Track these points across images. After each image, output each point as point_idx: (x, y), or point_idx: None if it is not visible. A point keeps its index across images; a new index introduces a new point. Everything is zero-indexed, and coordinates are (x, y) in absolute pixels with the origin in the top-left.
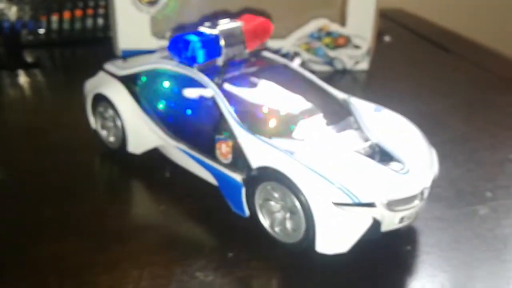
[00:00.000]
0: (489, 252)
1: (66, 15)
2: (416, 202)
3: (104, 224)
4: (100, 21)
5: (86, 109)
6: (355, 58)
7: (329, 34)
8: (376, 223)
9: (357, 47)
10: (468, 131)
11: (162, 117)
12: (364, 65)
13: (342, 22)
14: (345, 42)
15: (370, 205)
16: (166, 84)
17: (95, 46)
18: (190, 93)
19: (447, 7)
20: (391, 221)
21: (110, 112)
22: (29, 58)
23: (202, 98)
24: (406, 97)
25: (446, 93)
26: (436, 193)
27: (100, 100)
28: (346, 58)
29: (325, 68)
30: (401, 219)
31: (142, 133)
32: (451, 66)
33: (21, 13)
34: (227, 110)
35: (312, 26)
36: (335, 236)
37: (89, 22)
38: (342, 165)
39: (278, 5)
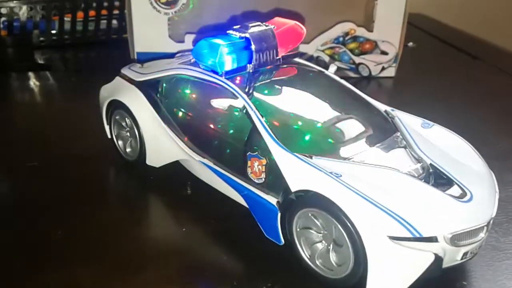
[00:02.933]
0: None
1: (79, 15)
2: (482, 235)
3: (119, 248)
4: (115, 22)
5: (101, 116)
6: (382, 64)
7: (355, 39)
8: (437, 260)
9: (384, 52)
10: (509, 145)
11: (184, 128)
12: (390, 72)
13: (368, 26)
14: (371, 47)
15: (432, 239)
16: (189, 92)
17: (109, 48)
18: (218, 103)
19: (464, 11)
20: (453, 257)
21: (127, 121)
22: (40, 60)
23: (231, 109)
24: (436, 106)
25: (478, 102)
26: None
27: (117, 107)
28: (372, 64)
29: (349, 74)
30: (464, 255)
31: (162, 145)
32: (480, 74)
33: (32, 13)
34: (260, 123)
35: (338, 30)
36: (390, 275)
37: (103, 23)
38: (397, 192)
39: (300, 8)
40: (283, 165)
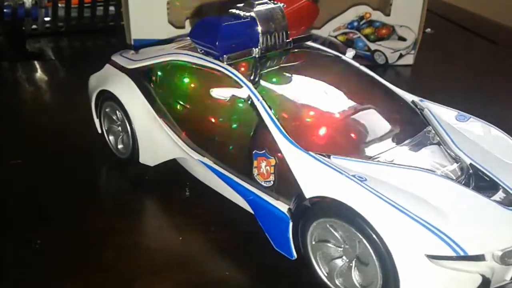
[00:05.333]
0: None
1: (74, 1)
2: None
3: (107, 260)
4: (112, 8)
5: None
6: (399, 51)
7: (370, 23)
8: (485, 282)
9: (401, 38)
10: None
11: (181, 122)
12: (409, 59)
13: (385, 10)
14: (388, 33)
15: (479, 258)
16: (187, 80)
17: (107, 36)
18: (219, 93)
19: None
20: (501, 277)
21: (118, 113)
22: (32, 49)
23: (234, 100)
24: (460, 96)
25: (506, 90)
26: None
27: (106, 98)
28: (388, 51)
29: (364, 62)
30: None
31: (156, 141)
32: (504, 60)
33: None
34: (268, 116)
35: (351, 14)
36: None
37: (100, 9)
38: (435, 199)
39: None
40: (296, 166)
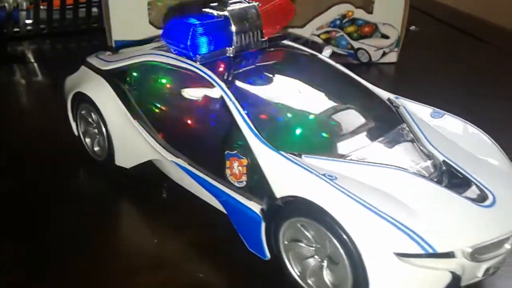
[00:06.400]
0: None
1: (56, 3)
2: (507, 247)
3: (82, 264)
4: (95, 10)
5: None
6: (382, 49)
7: (353, 21)
8: (455, 279)
9: (384, 36)
10: None
11: (155, 123)
12: (392, 57)
13: (367, 8)
14: (371, 30)
15: (449, 255)
16: (161, 81)
17: (90, 38)
18: (192, 93)
19: None
20: (473, 274)
21: (93, 116)
22: (13, 52)
23: (207, 100)
24: (444, 94)
25: (490, 89)
26: None
27: (82, 100)
28: (372, 49)
29: (348, 61)
30: (487, 270)
31: (131, 143)
32: (488, 57)
33: (5, 2)
34: (240, 115)
35: (334, 12)
36: None
37: (82, 11)
38: (405, 197)
39: None
40: (266, 165)
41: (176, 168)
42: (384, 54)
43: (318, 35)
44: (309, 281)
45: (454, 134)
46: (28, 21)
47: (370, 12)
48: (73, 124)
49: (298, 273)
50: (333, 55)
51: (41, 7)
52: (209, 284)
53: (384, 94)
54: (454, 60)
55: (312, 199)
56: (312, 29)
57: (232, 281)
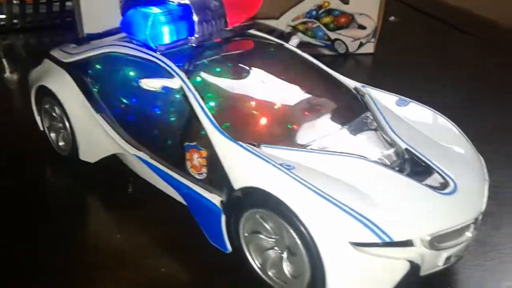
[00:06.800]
0: None
1: None
2: (468, 235)
3: (44, 261)
4: (69, 4)
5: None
6: (359, 40)
7: (329, 12)
8: (413, 268)
9: (361, 27)
10: (502, 124)
11: (117, 116)
12: (369, 48)
13: None
14: (347, 21)
15: (407, 244)
16: (123, 73)
17: (64, 32)
18: (150, 84)
19: None
20: (433, 263)
21: (57, 110)
22: None
23: (167, 91)
24: (420, 85)
25: (467, 79)
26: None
27: (45, 94)
28: (348, 40)
29: (325, 52)
30: (447, 259)
31: (94, 137)
32: (469, 49)
33: None
34: (199, 106)
35: (310, 3)
36: None
37: (56, 5)
38: (363, 185)
39: None
40: (224, 156)
41: (138, 161)
42: (361, 45)
43: (294, 26)
44: (270, 273)
45: (419, 122)
46: (1, 16)
47: (347, 3)
48: (38, 119)
49: (259, 265)
50: (309, 46)
51: (14, 1)
52: (171, 278)
53: (350, 83)
54: (434, 51)
55: (269, 190)
56: (287, 20)
57: (194, 275)
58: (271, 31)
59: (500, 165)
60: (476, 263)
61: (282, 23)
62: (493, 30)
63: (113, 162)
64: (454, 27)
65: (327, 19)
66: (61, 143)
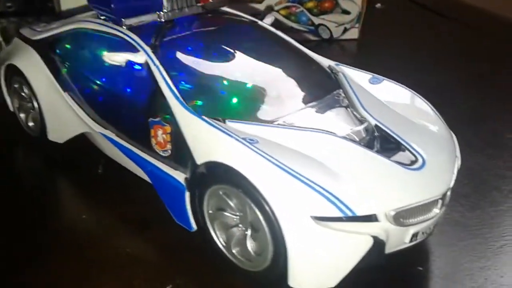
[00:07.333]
0: None
1: None
2: (435, 211)
3: (5, 241)
4: None
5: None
6: (343, 25)
7: None
8: (378, 245)
9: (345, 12)
10: (483, 107)
11: (85, 94)
12: (354, 34)
13: None
14: (331, 6)
15: (370, 218)
16: (89, 49)
17: (46, 17)
18: (114, 57)
19: None
20: (399, 240)
21: (26, 89)
22: None
23: (133, 66)
24: (404, 70)
25: (450, 64)
26: (452, 188)
27: (14, 73)
28: (332, 25)
29: (309, 37)
30: (414, 236)
31: (62, 116)
32: (453, 34)
33: None
34: (164, 81)
35: None
36: (316, 267)
37: None
38: (327, 160)
39: None
40: (188, 130)
41: (105, 140)
42: (345, 30)
43: (277, 11)
44: (234, 251)
45: (391, 99)
46: None
47: None
48: (8, 99)
49: (224, 243)
50: (292, 31)
51: None
52: (135, 258)
53: (325, 62)
54: (419, 37)
55: (231, 164)
56: (271, 5)
57: (159, 255)
58: (254, 14)
59: (480, 148)
60: (448, 243)
61: (264, 7)
62: (479, 16)
63: (84, 143)
64: (440, 14)
65: (310, 4)
66: (30, 124)
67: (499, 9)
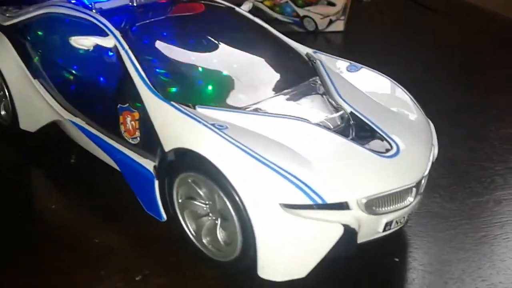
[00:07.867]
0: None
1: None
2: (409, 200)
3: None
4: None
5: None
6: (329, 17)
7: None
8: (349, 234)
9: (331, 3)
10: (465, 100)
11: (55, 80)
12: (339, 26)
13: None
14: None
15: (341, 206)
16: (59, 34)
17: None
18: (81, 42)
19: None
20: (372, 229)
21: None
22: None
23: (102, 51)
24: (390, 62)
25: (436, 57)
26: (431, 179)
27: None
28: (318, 17)
29: (294, 29)
30: (388, 225)
31: (33, 105)
32: (439, 28)
33: None
34: (133, 66)
35: None
36: (285, 256)
37: None
38: (299, 147)
39: None
40: (156, 116)
41: (75, 128)
42: (330, 22)
43: (262, 2)
44: (204, 241)
45: (368, 87)
46: None
47: None
48: None
49: (194, 233)
50: (277, 23)
51: None
52: (104, 248)
53: (302, 49)
54: (405, 30)
55: (198, 151)
56: None
57: (127, 246)
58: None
59: (460, 139)
60: (426, 234)
61: None
62: (465, 9)
63: (56, 131)
64: (427, 8)
65: None
66: (2, 112)
67: (484, 2)
